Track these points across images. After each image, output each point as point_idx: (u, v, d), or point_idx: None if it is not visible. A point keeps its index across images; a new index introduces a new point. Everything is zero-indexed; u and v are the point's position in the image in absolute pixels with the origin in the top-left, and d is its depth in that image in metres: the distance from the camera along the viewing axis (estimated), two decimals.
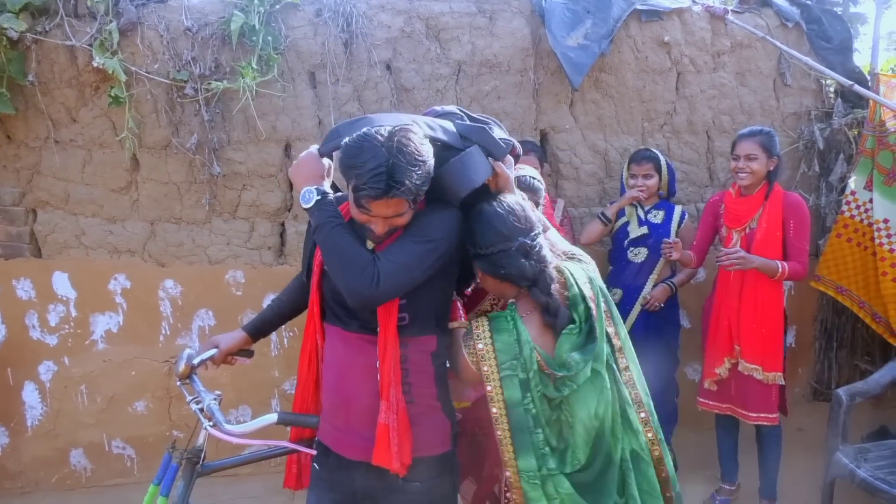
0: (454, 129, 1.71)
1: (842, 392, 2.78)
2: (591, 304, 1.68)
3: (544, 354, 1.64)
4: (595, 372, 1.65)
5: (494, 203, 1.69)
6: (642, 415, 1.76)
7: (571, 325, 1.66)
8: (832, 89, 3.94)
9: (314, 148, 1.75)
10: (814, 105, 3.87)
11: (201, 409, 1.71)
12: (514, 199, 1.74)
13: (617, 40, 3.58)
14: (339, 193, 1.84)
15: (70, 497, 3.41)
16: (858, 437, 3.56)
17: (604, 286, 1.79)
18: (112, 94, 3.10)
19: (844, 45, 3.72)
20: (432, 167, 1.57)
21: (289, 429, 1.93)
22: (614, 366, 1.73)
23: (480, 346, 1.64)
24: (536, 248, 1.68)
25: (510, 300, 1.76)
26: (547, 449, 1.59)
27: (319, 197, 1.64)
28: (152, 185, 3.34)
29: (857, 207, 3.43)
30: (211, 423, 1.68)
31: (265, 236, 3.46)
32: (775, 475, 3.11)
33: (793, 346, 4.03)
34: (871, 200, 3.34)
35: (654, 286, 3.28)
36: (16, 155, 3.28)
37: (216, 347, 1.95)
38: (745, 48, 3.74)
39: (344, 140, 1.59)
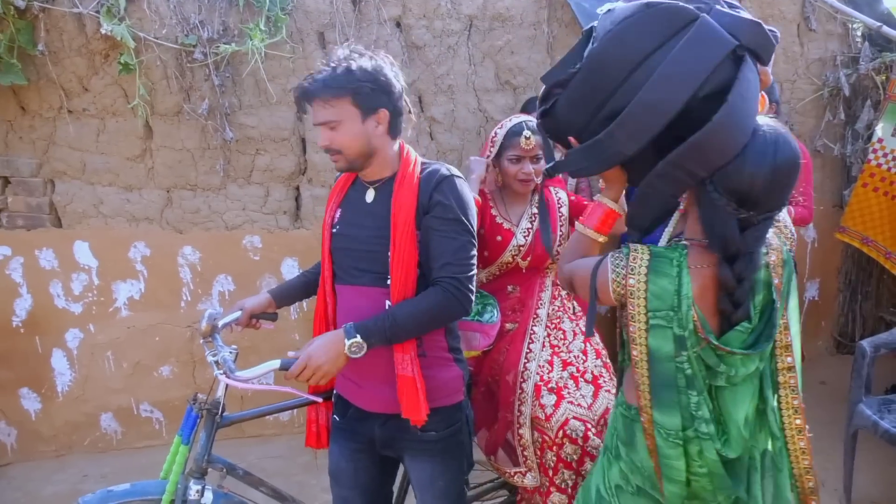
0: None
1: (866, 343, 2.74)
2: (776, 296, 1.40)
3: (702, 317, 1.36)
4: (757, 370, 1.42)
5: (783, 148, 1.30)
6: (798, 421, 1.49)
7: (746, 324, 1.38)
8: (859, 33, 3.79)
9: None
10: (839, 50, 3.73)
11: (216, 362, 1.75)
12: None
13: None
14: None
15: (103, 459, 3.51)
16: (882, 389, 3.53)
17: (793, 266, 1.47)
18: (122, 61, 3.08)
19: None
20: (385, 75, 1.66)
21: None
22: (770, 365, 1.47)
23: (632, 281, 1.36)
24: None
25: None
26: (702, 412, 1.36)
27: (358, 337, 1.61)
28: (166, 153, 3.34)
29: (885, 155, 3.33)
30: (221, 372, 1.71)
31: (280, 201, 3.47)
32: None
33: (816, 299, 3.98)
34: None
35: (670, 239, 3.23)
36: (31, 126, 3.29)
37: (241, 310, 1.97)
38: None
39: None
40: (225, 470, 1.89)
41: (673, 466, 1.37)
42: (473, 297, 1.68)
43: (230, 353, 1.78)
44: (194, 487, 1.82)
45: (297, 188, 3.49)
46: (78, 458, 3.51)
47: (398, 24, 3.39)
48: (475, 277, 1.69)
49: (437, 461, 1.80)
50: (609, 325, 3.79)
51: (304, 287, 2.05)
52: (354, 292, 1.76)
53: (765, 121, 1.35)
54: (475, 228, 1.72)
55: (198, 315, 3.45)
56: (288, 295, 2.05)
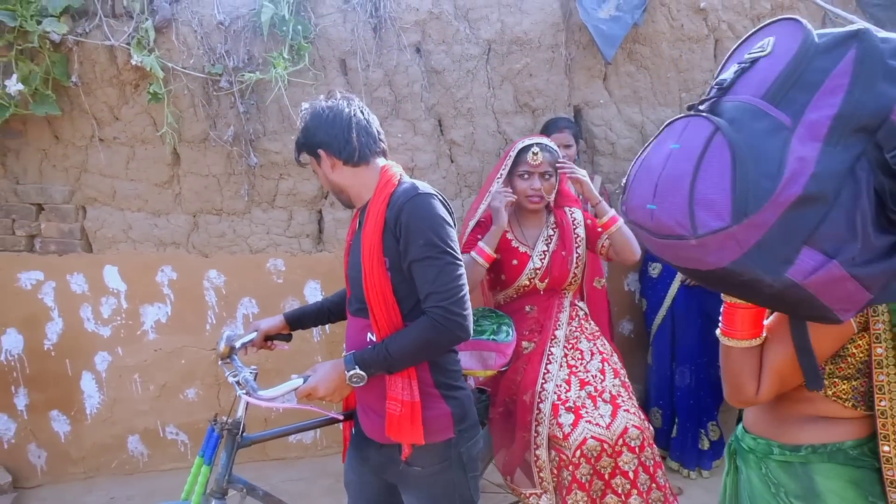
0: None
1: None
2: None
3: None
4: None
5: None
6: None
7: None
8: None
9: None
10: None
11: (237, 382, 1.78)
12: None
13: (650, 9, 3.49)
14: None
15: (129, 481, 3.55)
16: None
17: None
18: (151, 90, 3.18)
19: None
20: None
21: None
22: None
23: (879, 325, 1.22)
24: None
25: None
26: None
27: (357, 369, 1.63)
28: (193, 179, 3.43)
29: None
30: (244, 391, 1.74)
31: (303, 224, 3.52)
32: None
33: None
34: None
35: None
36: (64, 154, 3.40)
37: (256, 331, 2.02)
38: (786, 9, 3.59)
39: None
40: (245, 490, 1.91)
41: None
42: (468, 320, 1.62)
43: (251, 372, 1.81)
44: None
45: (320, 212, 3.55)
46: (105, 481, 3.56)
47: (418, 50, 3.45)
48: (466, 298, 1.62)
49: (424, 496, 1.76)
50: (627, 344, 3.76)
51: (318, 313, 2.08)
52: (350, 320, 1.81)
53: None
54: (454, 245, 1.64)
55: None
56: (302, 320, 2.09)
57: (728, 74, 1.12)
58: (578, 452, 1.99)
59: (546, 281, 2.29)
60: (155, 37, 3.16)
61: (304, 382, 1.67)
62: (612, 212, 2.32)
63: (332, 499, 3.21)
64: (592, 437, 2.00)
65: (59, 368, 3.49)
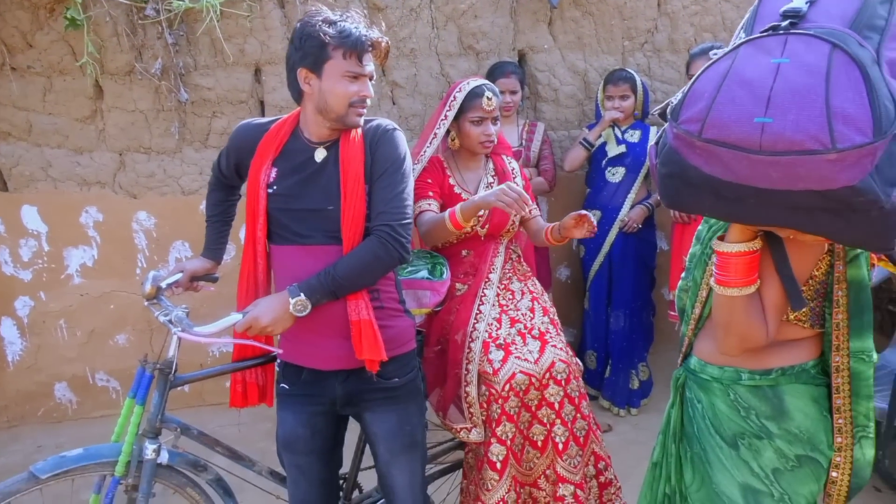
0: None
1: None
2: None
3: None
4: None
5: None
6: None
7: None
8: None
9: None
10: None
11: (170, 320, 1.72)
12: None
13: None
14: None
15: (58, 429, 3.44)
16: None
17: None
18: (68, 15, 2.95)
19: None
20: None
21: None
22: None
23: None
24: None
25: None
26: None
27: (302, 296, 1.62)
28: (118, 114, 3.23)
29: None
30: (179, 329, 1.69)
31: None
32: None
33: None
34: None
35: (632, 207, 3.28)
36: None
37: (182, 271, 1.96)
38: None
39: None
40: (179, 430, 1.86)
41: (868, 384, 1.38)
42: (409, 243, 1.71)
43: (182, 310, 1.74)
44: (150, 447, 1.79)
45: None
46: (31, 429, 3.43)
47: None
48: (410, 224, 1.72)
49: (400, 408, 1.83)
50: (564, 289, 3.84)
51: (223, 233, 2.07)
52: (300, 252, 1.74)
53: None
54: (411, 179, 1.76)
55: None
56: (219, 248, 2.07)
57: (798, 3, 1.12)
58: (507, 387, 2.04)
59: (486, 227, 2.30)
60: None
61: (245, 316, 1.62)
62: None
63: (270, 442, 3.17)
64: (521, 372, 2.06)
65: None
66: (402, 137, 1.78)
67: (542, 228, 2.29)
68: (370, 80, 1.73)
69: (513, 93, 3.23)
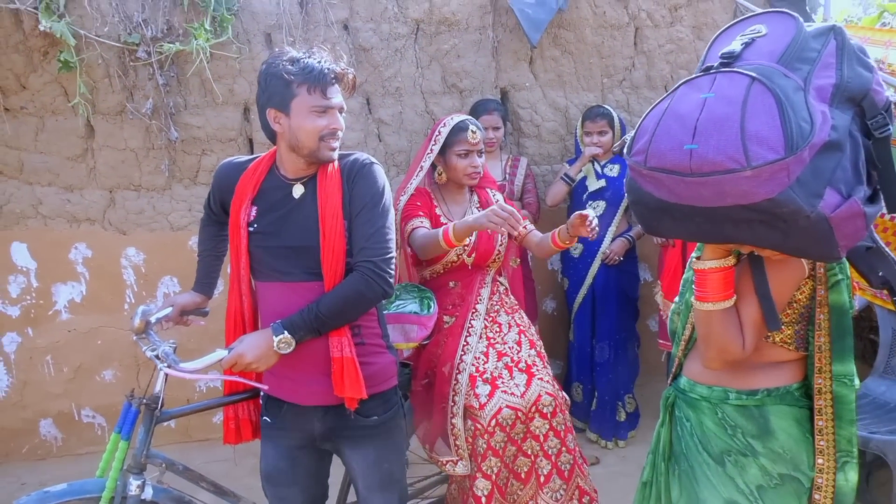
0: None
1: None
2: None
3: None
4: None
5: None
6: None
7: None
8: None
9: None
10: None
11: (156, 355, 1.74)
12: None
13: None
14: None
15: (42, 466, 3.41)
16: None
17: None
18: (62, 58, 3.03)
19: None
20: None
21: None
22: None
23: None
24: None
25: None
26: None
27: (286, 333, 1.64)
28: (109, 152, 3.29)
29: None
30: (166, 365, 1.71)
31: None
32: None
33: None
34: None
35: (613, 239, 3.35)
36: None
37: (172, 306, 1.98)
38: (701, 1, 3.76)
39: None
40: (164, 465, 1.88)
41: (851, 408, 1.44)
42: (392, 278, 1.73)
43: (170, 345, 1.77)
44: (134, 483, 1.80)
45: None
46: (15, 467, 3.40)
47: (345, 27, 3.42)
48: (393, 259, 1.73)
49: (379, 445, 1.84)
50: (550, 321, 3.89)
51: (215, 268, 2.09)
52: (283, 289, 1.76)
53: None
54: (392, 213, 1.78)
55: None
56: (209, 283, 2.09)
57: (734, 47, 1.27)
58: (493, 422, 2.07)
59: (473, 256, 2.35)
60: (65, 2, 3.01)
61: (230, 353, 1.65)
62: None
63: (256, 479, 3.17)
64: (507, 407, 2.09)
65: None
66: (379, 171, 1.78)
67: (545, 237, 2.30)
68: (340, 112, 1.73)
69: (495, 129, 3.32)
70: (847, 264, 1.46)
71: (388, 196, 1.79)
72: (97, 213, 3.34)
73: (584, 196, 3.37)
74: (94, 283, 3.38)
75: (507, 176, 3.44)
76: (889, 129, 1.19)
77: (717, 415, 1.50)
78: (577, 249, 3.41)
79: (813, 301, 1.43)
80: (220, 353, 1.66)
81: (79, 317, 3.38)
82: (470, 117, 2.44)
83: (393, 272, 1.73)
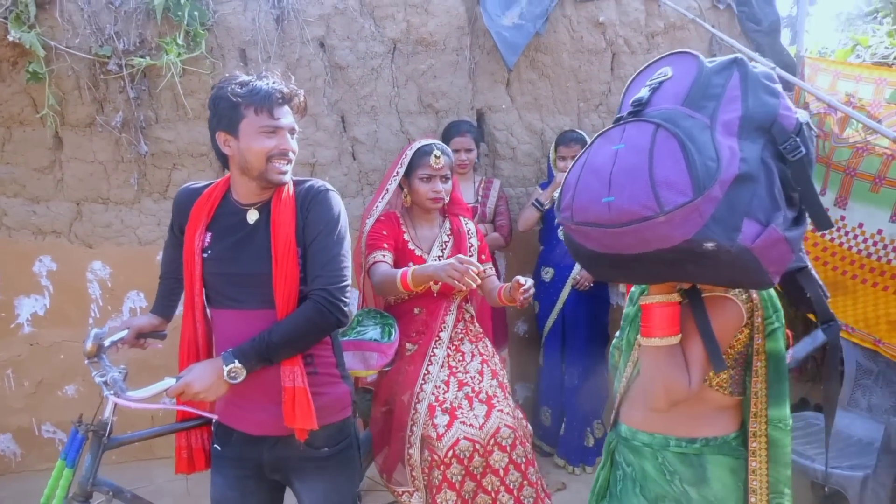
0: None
1: None
2: None
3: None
4: None
5: None
6: None
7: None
8: None
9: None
10: None
11: (105, 381, 1.71)
12: None
13: (552, 20, 3.59)
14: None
15: (0, 482, 3.34)
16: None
17: None
18: (30, 69, 2.99)
19: (773, 27, 3.79)
20: None
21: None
22: None
23: (754, 295, 1.45)
24: None
25: None
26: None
27: (236, 362, 1.62)
28: (77, 165, 3.25)
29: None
30: (111, 392, 1.68)
31: None
32: None
33: None
34: (842, 218, 3.06)
35: None
36: None
37: (128, 328, 1.94)
38: (678, 29, 3.80)
39: None
40: (111, 493, 1.84)
41: (786, 451, 1.48)
42: (347, 307, 1.71)
43: (119, 372, 1.74)
44: None
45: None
46: None
47: (321, 45, 3.41)
48: (348, 288, 1.72)
49: (328, 478, 1.81)
50: (521, 344, 3.87)
51: (176, 292, 2.05)
52: (236, 316, 1.74)
53: None
54: (347, 240, 1.76)
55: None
56: (170, 306, 2.05)
57: (643, 94, 1.30)
58: (450, 453, 2.04)
59: (439, 284, 2.33)
60: (36, 12, 2.97)
61: (177, 382, 1.62)
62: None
63: None
64: (465, 438, 2.06)
65: None
66: (335, 198, 1.76)
67: (495, 288, 2.33)
68: (291, 133, 1.71)
69: (468, 151, 3.32)
70: (782, 311, 1.48)
71: (344, 223, 1.77)
72: (63, 225, 3.29)
73: (556, 220, 3.36)
74: (58, 297, 3.32)
75: (480, 198, 3.44)
76: (801, 151, 1.20)
77: (657, 460, 1.53)
78: (548, 274, 3.41)
79: (750, 348, 1.45)
80: (169, 382, 1.63)
81: (41, 330, 3.32)
82: (438, 142, 2.43)
83: (348, 300, 1.71)
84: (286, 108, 1.70)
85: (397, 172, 2.39)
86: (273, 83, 1.68)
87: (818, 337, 1.58)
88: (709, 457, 1.49)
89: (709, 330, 1.39)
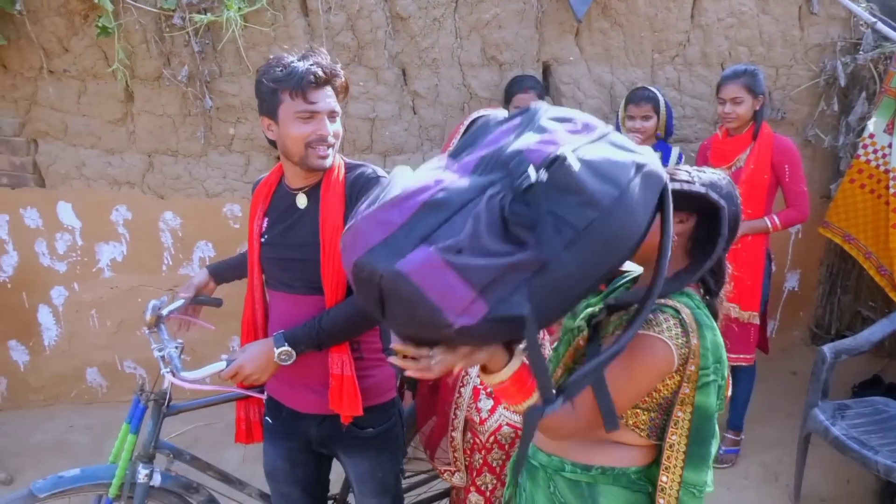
0: None
1: (826, 349, 2.75)
2: None
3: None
4: None
5: None
6: None
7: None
8: (866, 13, 3.62)
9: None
10: (841, 36, 3.58)
11: (162, 357, 1.80)
12: None
13: None
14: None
15: (88, 410, 3.67)
16: (850, 384, 3.56)
17: None
18: (100, 24, 3.04)
19: None
20: None
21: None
22: None
23: (694, 341, 1.29)
24: None
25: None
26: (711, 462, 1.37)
27: (286, 346, 1.66)
28: (147, 118, 3.34)
29: (875, 152, 3.24)
30: (168, 370, 1.77)
31: (260, 170, 3.47)
32: (743, 409, 3.21)
33: (795, 289, 3.96)
34: (890, 145, 3.15)
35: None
36: (13, 85, 3.29)
37: (184, 299, 2.03)
38: None
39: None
40: (172, 455, 1.98)
41: None
42: None
43: (176, 347, 1.83)
44: (143, 471, 1.91)
45: (279, 157, 3.48)
46: (65, 409, 3.67)
47: None
48: None
49: (373, 456, 1.88)
50: None
51: (241, 266, 2.06)
52: (288, 300, 1.79)
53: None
54: None
55: (179, 279, 3.52)
56: (227, 274, 2.10)
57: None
58: (492, 438, 2.07)
59: None
60: None
61: (228, 365, 1.69)
62: None
63: None
64: (508, 425, 2.07)
65: (15, 301, 3.53)
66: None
67: None
68: (330, 117, 1.65)
69: None
70: (726, 365, 1.33)
71: None
72: (136, 176, 3.43)
73: None
74: (134, 244, 3.50)
75: None
76: (529, 179, 0.96)
77: (549, 488, 1.44)
78: None
79: (675, 395, 1.31)
80: (219, 365, 1.70)
81: (120, 275, 3.54)
82: (494, 112, 2.32)
83: None
84: (325, 90, 1.64)
85: (454, 143, 2.32)
86: (311, 64, 1.62)
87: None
88: (602, 487, 1.38)
89: (601, 385, 1.22)
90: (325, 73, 1.63)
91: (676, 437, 1.33)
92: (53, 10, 3.12)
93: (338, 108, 1.69)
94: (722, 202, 1.31)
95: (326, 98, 1.65)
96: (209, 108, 3.26)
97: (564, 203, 0.99)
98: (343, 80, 1.70)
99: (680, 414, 1.31)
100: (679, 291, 1.34)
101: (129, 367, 3.70)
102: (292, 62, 1.64)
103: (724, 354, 1.34)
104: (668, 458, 1.34)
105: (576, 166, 1.00)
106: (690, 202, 1.34)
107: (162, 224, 3.49)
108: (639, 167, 1.08)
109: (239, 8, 3.02)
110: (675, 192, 1.26)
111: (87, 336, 3.61)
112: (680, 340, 1.27)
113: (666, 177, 1.16)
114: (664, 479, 1.34)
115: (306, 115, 1.62)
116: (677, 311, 1.30)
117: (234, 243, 3.52)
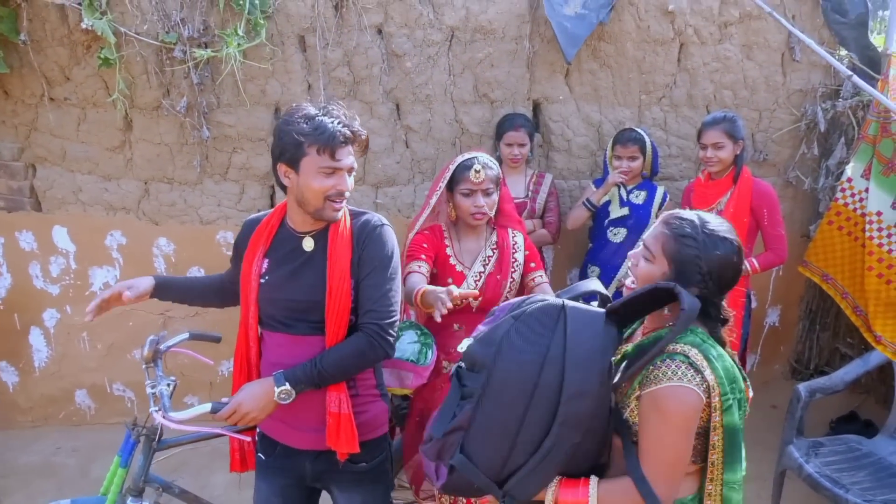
0: None
1: (802, 388, 2.83)
2: None
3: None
4: None
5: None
6: None
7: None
8: (845, 62, 3.76)
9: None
10: (822, 82, 3.71)
11: (153, 395, 1.85)
12: None
13: (618, 8, 3.44)
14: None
15: (76, 432, 3.69)
16: (828, 419, 3.64)
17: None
18: (102, 55, 3.12)
19: (860, 20, 3.51)
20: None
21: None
22: None
23: (709, 376, 1.45)
24: None
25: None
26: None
27: (287, 385, 1.72)
28: (145, 146, 3.41)
29: (853, 195, 3.34)
30: (157, 408, 1.81)
31: (255, 199, 3.54)
32: None
33: (776, 325, 4.05)
34: (867, 190, 3.25)
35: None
36: (13, 111, 3.36)
37: (187, 334, 2.08)
38: (754, 19, 3.56)
39: None
40: (161, 488, 2.02)
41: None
42: (394, 341, 1.81)
43: (168, 385, 1.87)
44: None
45: (272, 187, 3.56)
46: (52, 431, 3.69)
47: (379, 32, 3.39)
48: (397, 322, 1.81)
49: (366, 489, 1.94)
50: None
51: (185, 290, 2.08)
52: (286, 340, 1.83)
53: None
54: (399, 275, 1.85)
55: (171, 305, 3.55)
56: (168, 288, 2.04)
57: None
58: None
59: (479, 300, 2.34)
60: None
61: (230, 401, 1.72)
62: None
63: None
64: None
65: (7, 322, 3.56)
66: (389, 234, 1.85)
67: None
68: (349, 172, 1.77)
69: (521, 146, 3.28)
70: (741, 380, 1.51)
71: (397, 259, 1.85)
72: (132, 202, 3.49)
73: (606, 222, 3.32)
74: (127, 269, 3.55)
75: (530, 193, 3.41)
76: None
77: None
78: (594, 272, 3.38)
79: (709, 423, 1.48)
80: (205, 407, 1.73)
81: None
82: (480, 155, 2.36)
83: (395, 334, 1.81)
84: (349, 148, 1.74)
85: (440, 186, 2.38)
86: (338, 122, 1.71)
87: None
88: None
89: (638, 473, 1.44)
90: (352, 132, 1.73)
91: (716, 456, 1.51)
92: (57, 40, 3.19)
93: (355, 165, 1.79)
94: (675, 286, 1.45)
95: (349, 155, 1.75)
96: (206, 137, 3.33)
97: (468, 377, 1.45)
98: (365, 138, 1.79)
99: (715, 437, 1.49)
100: (682, 333, 1.48)
101: (118, 390, 3.73)
102: (318, 116, 1.71)
103: (737, 372, 1.51)
104: (711, 472, 1.53)
105: (464, 346, 1.49)
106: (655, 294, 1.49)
107: (156, 249, 3.55)
108: (515, 318, 1.45)
109: (238, 44, 3.10)
110: (629, 299, 1.50)
111: (77, 358, 3.64)
112: (697, 380, 1.43)
113: (558, 301, 1.48)
114: (710, 487, 1.53)
115: (329, 170, 1.71)
116: (686, 356, 1.45)
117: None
